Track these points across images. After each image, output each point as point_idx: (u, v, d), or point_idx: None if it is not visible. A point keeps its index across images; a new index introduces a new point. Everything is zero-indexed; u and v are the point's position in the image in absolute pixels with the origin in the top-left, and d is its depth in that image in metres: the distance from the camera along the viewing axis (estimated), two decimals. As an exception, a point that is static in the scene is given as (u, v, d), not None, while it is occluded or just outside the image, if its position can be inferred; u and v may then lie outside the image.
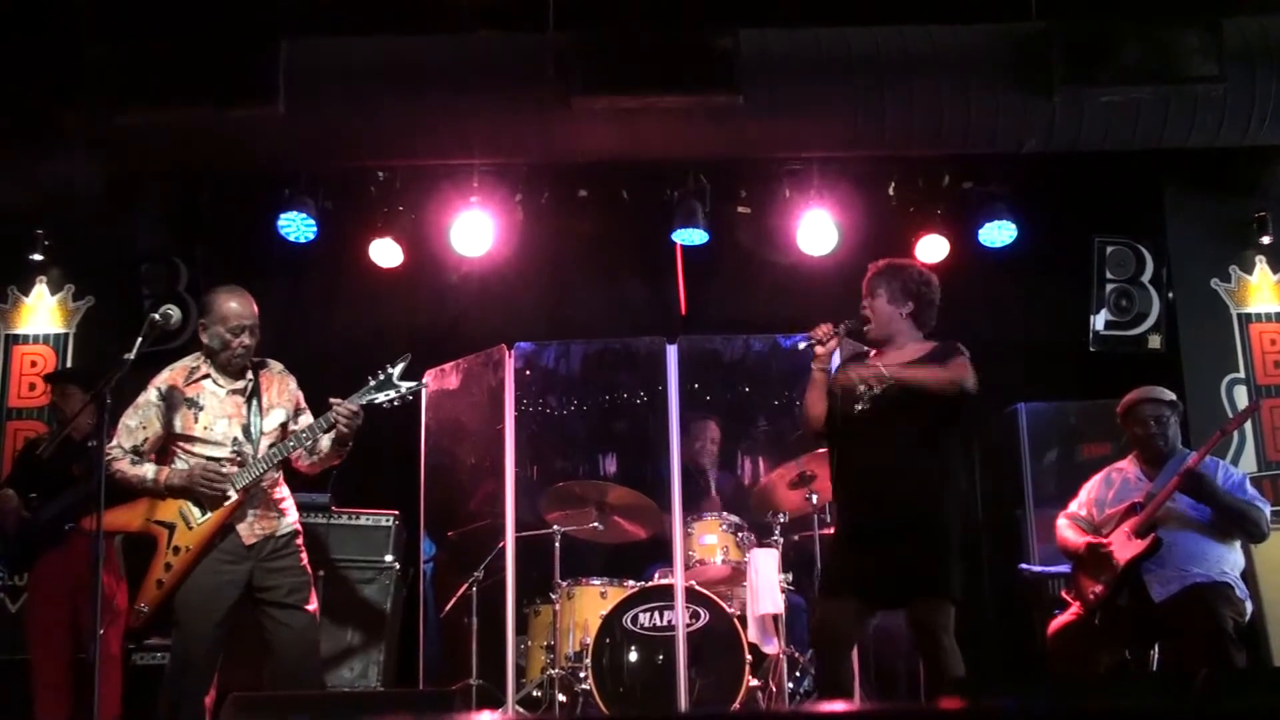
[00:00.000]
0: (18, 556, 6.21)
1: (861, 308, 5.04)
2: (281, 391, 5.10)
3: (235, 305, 4.94)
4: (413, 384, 4.85)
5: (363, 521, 6.75)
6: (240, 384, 5.01)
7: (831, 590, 4.97)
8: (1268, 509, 5.61)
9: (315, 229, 7.37)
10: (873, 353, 5.06)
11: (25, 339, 7.68)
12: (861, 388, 4.85)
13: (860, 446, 4.90)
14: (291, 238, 7.38)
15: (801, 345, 5.04)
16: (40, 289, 7.73)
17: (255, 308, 4.99)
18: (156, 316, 4.66)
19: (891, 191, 7.61)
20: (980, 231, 7.45)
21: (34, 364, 7.63)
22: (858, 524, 4.90)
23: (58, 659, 6.03)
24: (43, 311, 7.72)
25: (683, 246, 7.73)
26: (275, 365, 5.17)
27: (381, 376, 4.86)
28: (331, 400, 4.85)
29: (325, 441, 4.96)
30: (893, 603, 4.86)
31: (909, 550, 4.67)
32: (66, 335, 7.69)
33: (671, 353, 6.43)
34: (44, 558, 6.09)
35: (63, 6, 6.27)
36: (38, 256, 7.63)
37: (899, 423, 4.79)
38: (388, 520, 6.78)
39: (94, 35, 6.31)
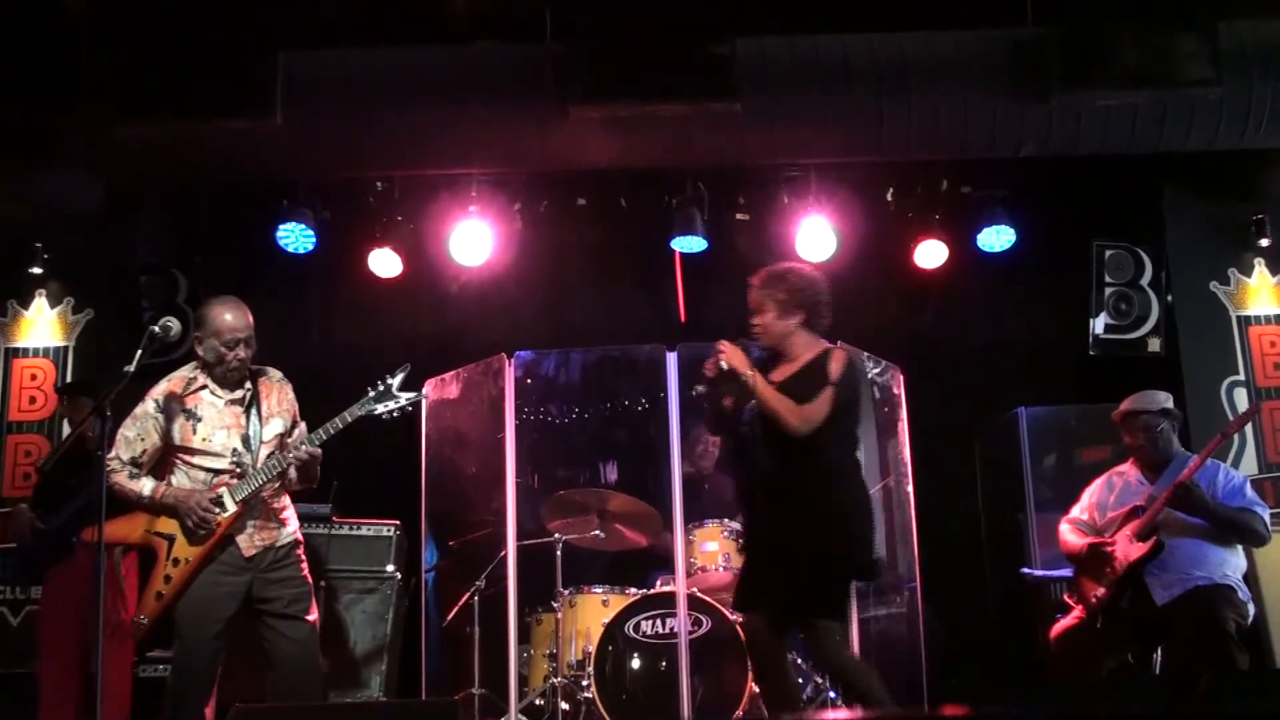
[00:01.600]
0: (31, 569, 6.23)
1: (751, 324, 4.94)
2: (281, 400, 5.10)
3: (230, 318, 4.92)
4: (412, 394, 4.84)
5: (364, 532, 6.75)
6: (239, 394, 5.00)
7: (740, 606, 4.97)
8: (1267, 513, 5.61)
9: (314, 240, 7.38)
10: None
11: (25, 352, 7.69)
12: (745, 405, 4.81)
13: (748, 461, 4.85)
14: (290, 249, 7.40)
15: (697, 392, 4.97)
16: (40, 302, 7.74)
17: (250, 319, 4.98)
18: (156, 329, 4.66)
19: (890, 197, 7.63)
20: (979, 236, 7.46)
21: (34, 377, 7.64)
22: (750, 539, 4.93)
23: (66, 671, 6.03)
24: (42, 325, 7.73)
25: (682, 254, 7.74)
26: (274, 373, 5.16)
27: (381, 387, 4.86)
28: (300, 428, 4.88)
29: (292, 473, 4.96)
30: (784, 620, 4.79)
31: (787, 569, 4.63)
32: (66, 348, 7.70)
33: (672, 360, 6.43)
34: (53, 570, 6.11)
35: (61, 19, 6.27)
36: (37, 270, 7.64)
37: (775, 438, 4.72)
38: (389, 530, 6.78)
39: (92, 48, 6.31)
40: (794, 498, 4.70)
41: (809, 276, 4.94)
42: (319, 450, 4.86)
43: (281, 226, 7.32)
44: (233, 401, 4.99)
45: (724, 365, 4.72)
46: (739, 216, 7.73)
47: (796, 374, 4.79)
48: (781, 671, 4.94)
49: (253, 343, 4.98)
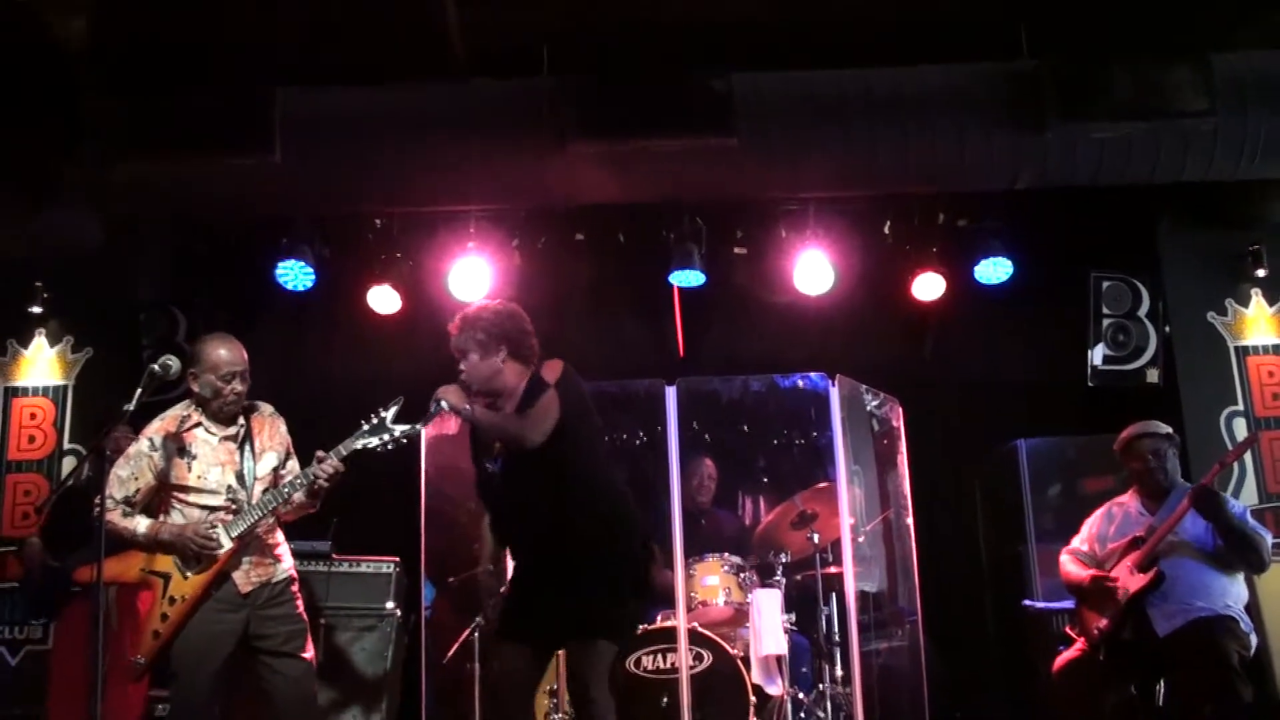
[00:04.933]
0: (41, 604, 6.21)
1: (459, 372, 4.80)
2: (273, 434, 5.10)
3: (225, 353, 4.93)
4: (406, 427, 4.82)
5: (363, 569, 6.74)
6: (232, 430, 5.00)
7: (504, 634, 4.82)
8: (1270, 540, 5.60)
9: (313, 277, 7.39)
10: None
11: (24, 391, 7.69)
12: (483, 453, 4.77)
13: (505, 489, 4.75)
14: (289, 286, 7.40)
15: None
16: (39, 341, 7.75)
17: (245, 354, 4.99)
18: (156, 367, 4.65)
19: (887, 230, 7.65)
20: (976, 268, 7.48)
21: (33, 416, 7.64)
22: (519, 566, 4.83)
23: (76, 711, 6.00)
24: (42, 364, 7.73)
25: (680, 288, 7.76)
26: (266, 408, 5.16)
27: (375, 420, 4.85)
28: (318, 454, 4.84)
29: (300, 494, 4.95)
30: (554, 645, 4.73)
31: (558, 591, 4.55)
32: (66, 387, 7.70)
33: (670, 394, 6.43)
34: (66, 610, 6.10)
35: (61, 57, 6.31)
36: (37, 309, 7.65)
37: (520, 468, 4.65)
38: (388, 567, 6.76)
39: (92, 85, 6.35)
40: (554, 517, 4.59)
41: (504, 311, 4.84)
42: (334, 469, 4.82)
43: (281, 264, 7.34)
44: (227, 438, 4.98)
45: (443, 405, 4.63)
46: (737, 250, 7.75)
47: (520, 403, 4.71)
48: (529, 711, 4.85)
49: (248, 378, 4.98)
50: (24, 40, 6.14)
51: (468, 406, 4.62)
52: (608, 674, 4.62)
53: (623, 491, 4.78)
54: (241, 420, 5.03)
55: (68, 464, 7.47)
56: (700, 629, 6.21)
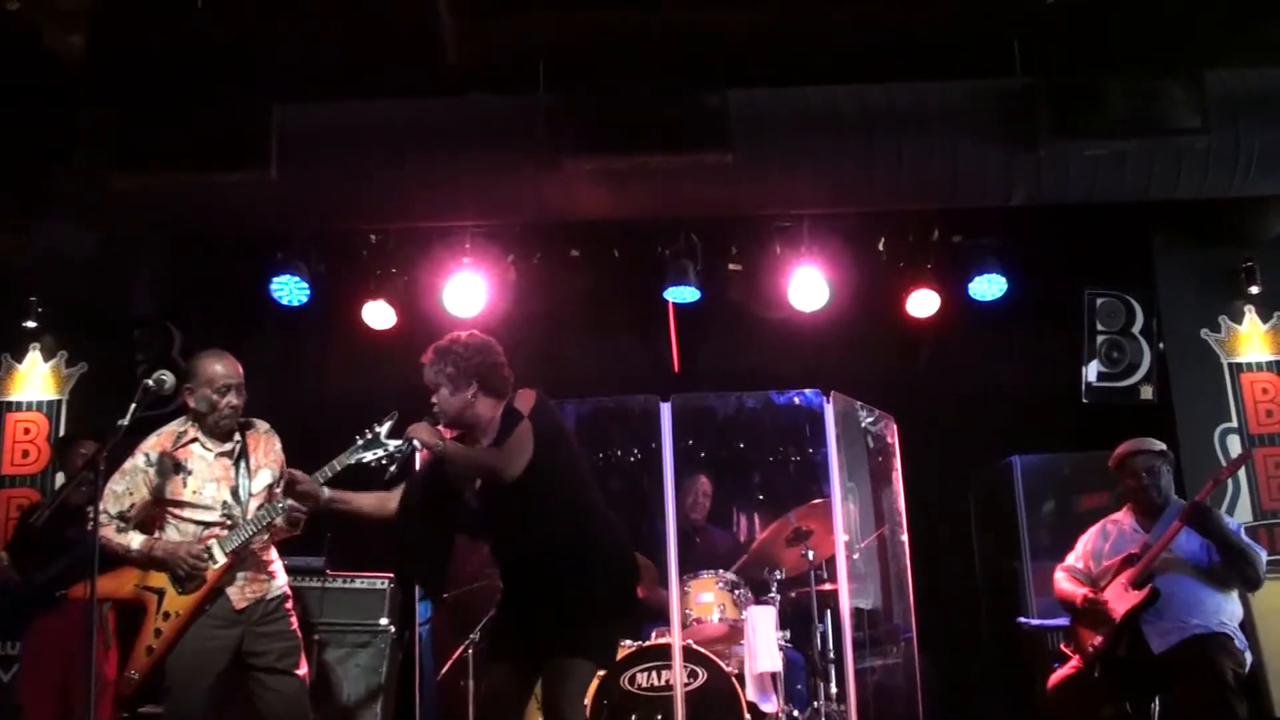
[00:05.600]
0: (8, 622, 6.16)
1: (430, 404, 4.77)
2: (269, 451, 5.10)
3: (220, 367, 4.95)
4: (400, 442, 4.81)
5: (358, 585, 6.73)
6: (228, 446, 5.00)
7: (492, 655, 4.78)
8: (1265, 556, 5.60)
9: (308, 292, 7.40)
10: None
11: (18, 406, 7.69)
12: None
13: (486, 517, 4.70)
14: (284, 301, 7.41)
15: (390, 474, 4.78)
16: (34, 355, 7.74)
17: (239, 368, 5.01)
18: (150, 382, 4.64)
19: (881, 246, 7.67)
20: (971, 285, 7.49)
21: (27, 431, 7.63)
22: (505, 587, 4.77)
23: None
24: (36, 378, 7.73)
25: (675, 304, 7.76)
26: (261, 425, 5.17)
27: (369, 435, 4.85)
28: (294, 473, 4.83)
29: (280, 519, 4.95)
30: (535, 667, 4.62)
31: (539, 611, 4.53)
32: (60, 401, 7.70)
33: (665, 410, 6.43)
34: (37, 625, 6.05)
35: (57, 71, 6.31)
36: (31, 324, 7.65)
37: (500, 502, 4.61)
38: (383, 583, 6.75)
39: (88, 99, 6.35)
40: (535, 544, 4.57)
41: (475, 344, 4.80)
42: (310, 507, 4.85)
43: (275, 279, 7.34)
44: (222, 454, 4.98)
45: (416, 444, 4.60)
46: (732, 267, 7.76)
47: (496, 437, 4.68)
48: None
49: (243, 391, 4.99)
50: (20, 50, 6.14)
51: (439, 443, 4.58)
52: (583, 693, 4.60)
53: (604, 514, 4.75)
54: (238, 437, 5.03)
55: (60, 479, 7.46)
56: (695, 646, 6.20)
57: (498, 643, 4.81)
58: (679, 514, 7.13)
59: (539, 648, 4.54)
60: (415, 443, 4.61)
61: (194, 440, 4.97)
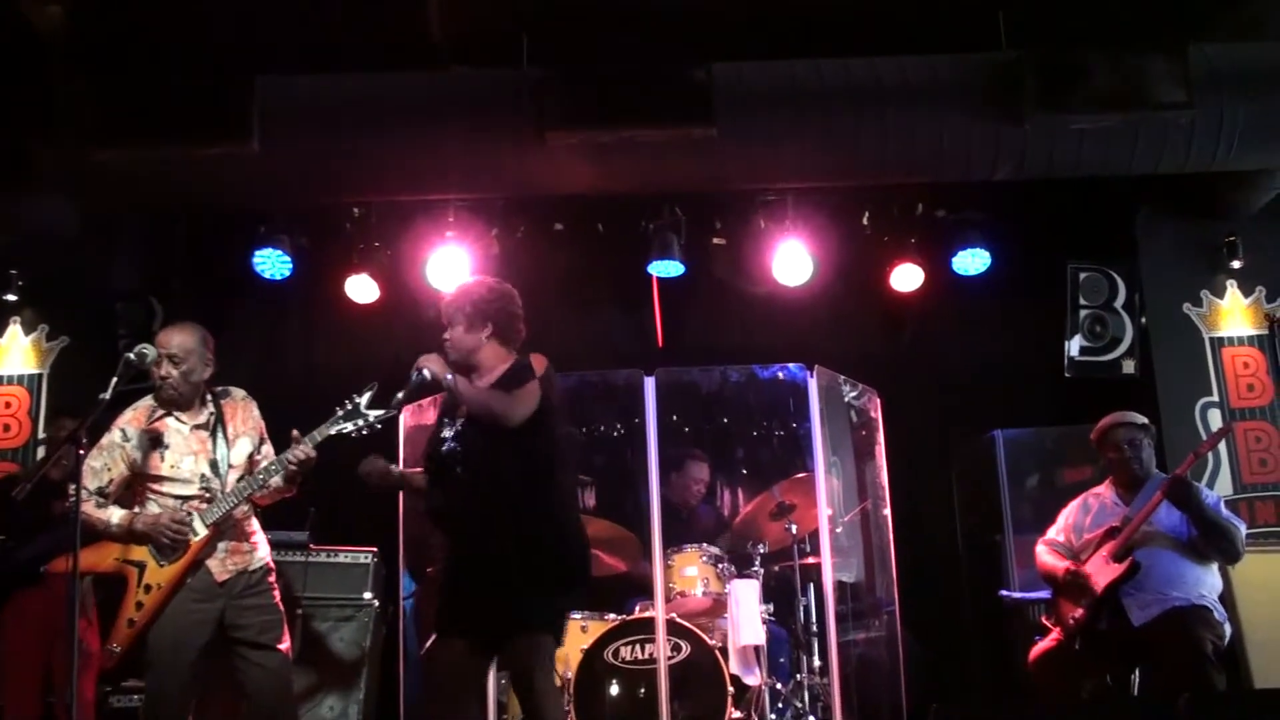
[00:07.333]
0: None
1: (443, 339, 4.83)
2: (246, 419, 5.07)
3: (163, 334, 4.93)
4: (380, 412, 4.80)
5: (341, 559, 6.71)
6: (202, 417, 4.98)
7: (441, 630, 4.74)
8: (1244, 530, 5.64)
9: (291, 266, 7.37)
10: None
11: (-1, 379, 7.65)
12: (445, 420, 4.77)
13: (455, 481, 4.69)
14: (267, 275, 7.38)
15: (396, 401, 4.80)
16: (14, 329, 7.70)
17: (182, 337, 4.92)
18: (131, 356, 4.63)
19: (865, 221, 7.66)
20: (954, 259, 7.50)
21: (8, 405, 7.59)
22: (456, 559, 4.74)
23: (28, 703, 5.96)
24: (16, 352, 7.68)
25: (659, 278, 7.76)
26: (237, 393, 5.14)
27: (349, 406, 4.83)
28: (294, 433, 4.82)
29: (277, 478, 4.93)
30: (493, 642, 4.65)
31: (500, 586, 4.51)
32: (41, 375, 7.66)
33: (649, 385, 6.43)
34: (17, 599, 6.04)
35: (34, 41, 6.25)
36: (11, 297, 7.60)
37: (483, 448, 4.63)
38: (366, 557, 6.74)
39: (67, 70, 6.29)
40: (508, 505, 4.55)
41: (497, 290, 4.88)
42: (308, 454, 4.80)
43: (258, 252, 7.31)
44: (198, 426, 4.96)
45: (426, 374, 4.65)
46: (716, 241, 7.75)
47: (493, 385, 4.70)
48: (473, 709, 4.82)
49: (189, 361, 4.91)
50: (-2, 22, 6.10)
51: (450, 376, 4.63)
52: (552, 665, 4.62)
53: (572, 498, 4.87)
54: (211, 408, 5.00)
55: (42, 453, 7.43)
56: (678, 619, 6.22)
57: (446, 617, 4.70)
58: (674, 494, 7.17)
59: (496, 624, 4.53)
60: (425, 372, 4.64)
61: (168, 413, 4.94)
